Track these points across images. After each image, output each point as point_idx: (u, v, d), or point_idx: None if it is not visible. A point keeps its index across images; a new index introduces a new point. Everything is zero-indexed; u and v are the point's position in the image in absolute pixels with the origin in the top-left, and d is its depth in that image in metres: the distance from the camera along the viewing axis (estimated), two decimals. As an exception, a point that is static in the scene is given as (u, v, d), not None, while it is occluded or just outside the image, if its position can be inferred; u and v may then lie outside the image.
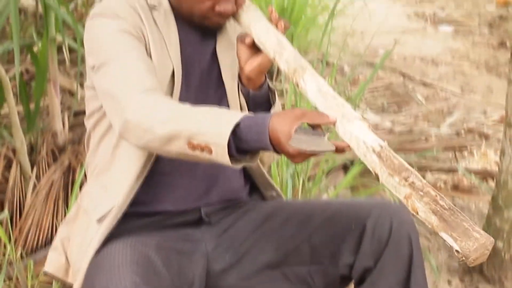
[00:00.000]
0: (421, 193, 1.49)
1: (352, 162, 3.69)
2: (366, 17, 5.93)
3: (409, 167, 1.52)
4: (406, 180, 1.51)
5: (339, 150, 1.67)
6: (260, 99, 2.00)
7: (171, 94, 1.93)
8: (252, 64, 1.91)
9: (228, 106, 2.03)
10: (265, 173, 2.21)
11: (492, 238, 1.45)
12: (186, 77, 1.99)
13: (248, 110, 1.99)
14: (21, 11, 5.96)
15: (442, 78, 5.95)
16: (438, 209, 1.46)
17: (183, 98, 1.94)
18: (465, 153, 4.32)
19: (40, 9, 5.92)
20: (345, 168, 3.89)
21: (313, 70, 1.76)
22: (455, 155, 4.27)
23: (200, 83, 2.03)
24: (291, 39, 5.63)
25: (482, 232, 1.44)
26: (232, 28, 2.09)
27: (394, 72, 6.06)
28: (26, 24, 6.13)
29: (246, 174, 2.19)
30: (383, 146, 1.57)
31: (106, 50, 1.88)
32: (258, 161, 2.09)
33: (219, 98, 2.04)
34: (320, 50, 4.68)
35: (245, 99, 1.99)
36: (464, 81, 5.86)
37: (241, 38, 1.93)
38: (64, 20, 3.60)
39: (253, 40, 1.89)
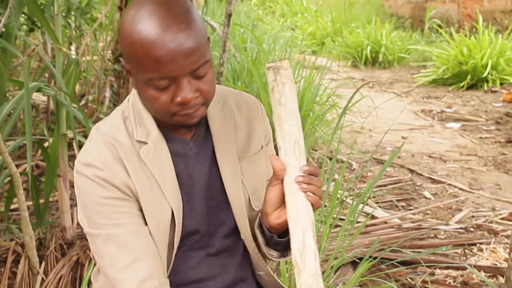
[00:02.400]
0: None
1: (361, 259, 3.67)
2: (374, 114, 5.99)
3: None
4: None
5: None
6: (279, 243, 1.93)
7: (174, 233, 1.89)
8: (279, 219, 1.81)
9: (233, 218, 1.98)
10: None
11: None
12: (189, 201, 1.93)
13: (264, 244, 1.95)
14: (33, 107, 6.06)
15: (450, 174, 5.97)
16: None
17: (188, 223, 1.91)
18: (474, 250, 4.30)
19: (52, 105, 6.04)
20: (354, 264, 3.87)
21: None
22: (464, 251, 4.24)
23: (205, 199, 1.96)
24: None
25: None
26: (226, 130, 1.99)
27: (403, 169, 6.08)
28: (37, 120, 6.21)
29: None
30: None
31: (93, 220, 1.84)
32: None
33: (226, 211, 1.99)
34: (329, 148, 4.71)
35: (262, 237, 1.93)
36: (472, 178, 5.86)
37: (276, 179, 1.77)
38: (75, 117, 3.65)
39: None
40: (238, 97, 2.06)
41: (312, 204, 1.70)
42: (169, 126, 1.87)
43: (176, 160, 1.90)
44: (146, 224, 1.84)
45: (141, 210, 1.84)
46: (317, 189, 1.70)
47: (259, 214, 1.91)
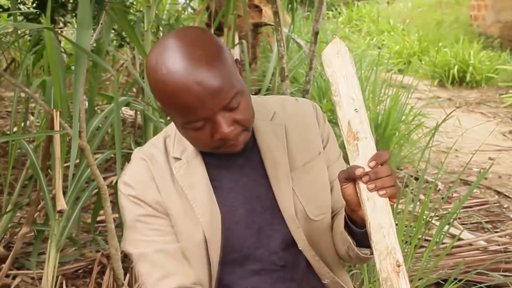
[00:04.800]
0: None
1: (445, 280, 3.61)
2: (460, 134, 5.91)
3: None
4: None
5: None
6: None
7: (208, 258, 1.89)
8: None
9: (288, 229, 1.94)
10: None
11: None
12: (232, 214, 1.91)
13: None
14: (120, 121, 6.17)
15: (538, 197, 5.84)
16: None
17: (231, 236, 1.90)
18: None
19: (139, 119, 6.13)
20: (439, 286, 3.81)
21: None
22: (553, 277, 4.14)
23: (253, 212, 1.94)
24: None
25: None
26: (275, 141, 1.95)
27: (489, 190, 5.97)
28: (124, 133, 6.32)
29: None
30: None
31: (130, 237, 1.90)
32: None
33: (280, 223, 1.94)
34: (415, 167, 4.66)
35: (352, 238, 1.80)
36: (562, 201, 5.72)
37: (347, 175, 1.62)
38: (162, 131, 3.70)
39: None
40: (293, 107, 2.02)
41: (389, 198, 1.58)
42: None
43: (217, 173, 1.92)
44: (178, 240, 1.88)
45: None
46: (386, 181, 1.57)
47: (345, 215, 1.80)
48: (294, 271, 1.98)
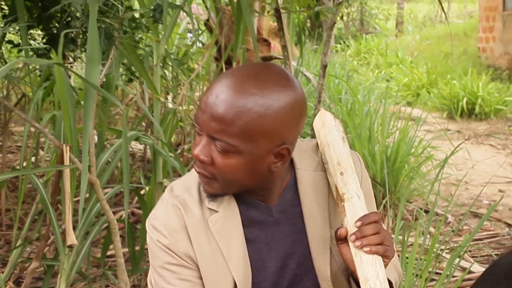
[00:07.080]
0: None
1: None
2: (470, 166, 5.90)
3: None
4: None
5: None
6: None
7: None
8: None
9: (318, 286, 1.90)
10: None
11: None
12: (263, 270, 1.87)
13: None
14: (130, 155, 6.18)
15: (549, 229, 5.80)
16: None
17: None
18: None
19: (148, 154, 6.14)
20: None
21: None
22: None
23: (285, 268, 1.89)
24: (394, 188, 5.63)
25: None
26: (318, 195, 1.88)
27: (499, 223, 5.95)
28: (133, 168, 6.32)
29: None
30: None
31: (156, 282, 1.86)
32: None
33: (312, 279, 1.90)
34: (425, 200, 4.65)
35: None
36: None
37: (339, 236, 1.71)
38: (171, 165, 3.70)
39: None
40: None
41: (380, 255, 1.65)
42: (248, 192, 1.83)
43: (252, 226, 1.86)
44: None
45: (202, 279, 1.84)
46: (371, 239, 1.64)
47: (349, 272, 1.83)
48: None
